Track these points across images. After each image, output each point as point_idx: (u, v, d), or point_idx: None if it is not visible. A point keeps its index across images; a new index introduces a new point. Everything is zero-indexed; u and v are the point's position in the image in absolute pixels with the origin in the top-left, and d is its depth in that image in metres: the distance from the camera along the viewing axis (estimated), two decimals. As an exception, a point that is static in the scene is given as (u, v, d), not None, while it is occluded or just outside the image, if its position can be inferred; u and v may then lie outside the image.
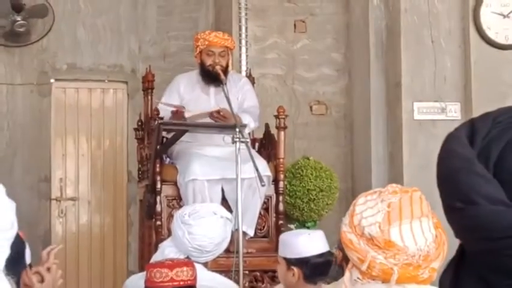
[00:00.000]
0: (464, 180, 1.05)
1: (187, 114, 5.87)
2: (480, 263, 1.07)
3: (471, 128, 1.10)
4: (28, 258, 3.43)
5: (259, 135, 6.53)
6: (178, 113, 5.84)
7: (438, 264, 1.87)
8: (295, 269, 3.57)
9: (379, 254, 1.86)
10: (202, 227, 3.64)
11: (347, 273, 1.98)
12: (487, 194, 1.03)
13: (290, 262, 3.60)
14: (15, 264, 2.26)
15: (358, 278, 1.92)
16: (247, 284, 5.63)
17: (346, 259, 3.67)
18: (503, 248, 1.02)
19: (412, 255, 1.87)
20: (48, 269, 3.10)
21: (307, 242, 3.61)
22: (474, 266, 1.08)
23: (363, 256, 1.87)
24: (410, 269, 1.87)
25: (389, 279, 1.86)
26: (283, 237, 3.79)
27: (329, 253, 3.62)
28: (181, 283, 3.13)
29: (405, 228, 1.86)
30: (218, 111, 5.82)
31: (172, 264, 3.19)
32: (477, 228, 1.04)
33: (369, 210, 1.88)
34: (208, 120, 5.92)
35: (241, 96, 6.23)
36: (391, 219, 1.86)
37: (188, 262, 3.33)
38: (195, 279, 3.19)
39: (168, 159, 6.11)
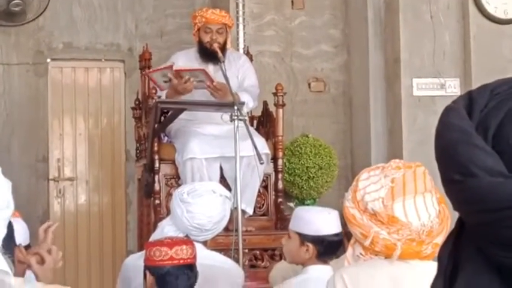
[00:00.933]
0: (462, 152, 1.04)
1: (175, 67, 5.84)
2: (479, 235, 1.07)
3: (469, 100, 1.10)
4: (27, 239, 3.41)
5: (258, 113, 6.51)
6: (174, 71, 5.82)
7: (441, 239, 1.86)
8: (311, 246, 3.56)
9: (382, 229, 1.84)
10: (201, 206, 3.63)
11: (349, 249, 1.96)
12: (485, 166, 1.03)
13: (305, 238, 3.57)
14: (9, 243, 2.24)
15: (360, 253, 1.91)
16: (246, 263, 5.63)
17: (347, 236, 3.66)
18: (502, 219, 1.02)
19: (415, 230, 1.85)
20: (49, 251, 3.08)
21: (326, 221, 3.59)
22: (473, 239, 1.09)
23: (366, 231, 1.85)
24: (413, 245, 1.86)
25: (392, 254, 1.85)
26: (299, 212, 3.74)
27: (342, 233, 3.61)
28: (181, 261, 3.11)
29: (409, 204, 1.84)
30: (212, 81, 5.79)
31: (172, 242, 3.17)
32: (476, 200, 1.04)
33: (372, 186, 1.86)
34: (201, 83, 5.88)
35: (241, 75, 6.20)
36: (394, 194, 1.84)
37: (187, 241, 3.31)
38: (194, 257, 3.18)
39: (166, 138, 6.10)
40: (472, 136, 1.04)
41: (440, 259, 1.15)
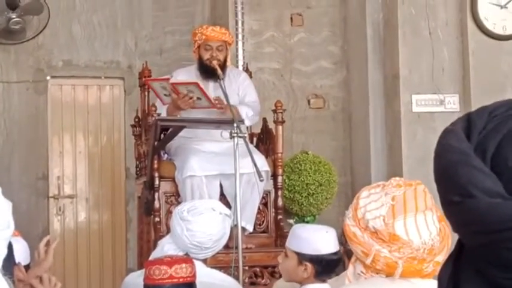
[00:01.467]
0: (461, 173, 1.05)
1: (172, 81, 5.87)
2: (478, 256, 1.07)
3: (467, 123, 1.10)
4: (27, 258, 3.41)
5: (257, 130, 6.51)
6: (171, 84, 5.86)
7: (442, 258, 1.85)
8: (309, 265, 3.52)
9: (383, 247, 1.84)
10: (201, 224, 3.62)
11: (350, 267, 1.95)
12: (484, 187, 1.03)
13: (304, 257, 3.54)
14: (8, 263, 2.24)
15: (361, 271, 1.90)
16: (247, 280, 5.62)
17: (347, 254, 3.65)
18: (501, 241, 1.02)
19: (416, 248, 1.85)
20: (43, 279, 3.05)
21: (325, 240, 3.55)
22: (472, 260, 1.09)
23: (367, 249, 1.85)
24: (414, 263, 1.86)
25: (393, 272, 1.85)
26: (297, 231, 3.69)
27: (339, 251, 3.59)
28: (181, 280, 3.10)
29: (410, 222, 1.84)
30: (205, 94, 5.82)
31: (171, 261, 3.16)
32: (475, 222, 1.04)
33: (372, 204, 1.86)
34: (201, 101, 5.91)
35: (241, 92, 6.22)
36: (395, 212, 1.84)
37: (187, 259, 3.30)
38: (194, 275, 3.17)
39: (165, 156, 6.10)
40: (470, 158, 1.05)
41: (440, 281, 1.15)
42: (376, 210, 1.85)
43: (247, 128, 6.21)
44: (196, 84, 5.78)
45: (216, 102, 5.86)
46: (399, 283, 1.89)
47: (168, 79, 5.90)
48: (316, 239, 3.57)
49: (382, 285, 1.91)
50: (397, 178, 1.94)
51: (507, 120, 1.07)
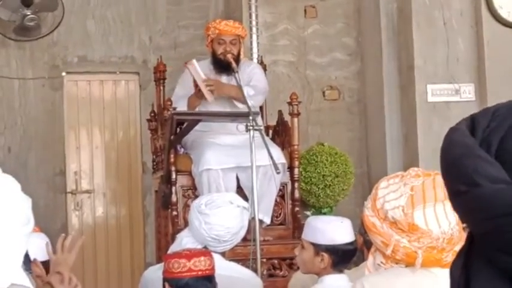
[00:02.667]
0: (466, 164, 1.08)
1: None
2: (487, 244, 1.10)
3: (472, 122, 1.14)
4: (44, 254, 3.41)
5: (273, 122, 6.52)
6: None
7: (462, 247, 1.86)
8: (325, 255, 3.54)
9: (403, 237, 1.85)
10: (219, 217, 3.63)
11: (370, 258, 1.96)
12: (489, 175, 1.06)
13: (320, 248, 3.56)
14: (26, 259, 2.26)
15: (381, 262, 1.91)
16: (265, 272, 5.63)
17: (366, 244, 3.66)
18: (507, 225, 1.04)
19: (436, 238, 1.86)
20: (62, 279, 3.06)
21: (340, 230, 3.58)
22: (482, 250, 1.11)
23: (387, 240, 1.86)
24: (434, 253, 1.86)
25: (413, 262, 1.85)
26: (312, 222, 3.72)
27: (355, 241, 3.60)
28: (200, 273, 3.12)
29: (429, 212, 1.85)
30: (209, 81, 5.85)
31: (190, 254, 3.18)
32: (481, 209, 1.06)
33: (391, 194, 1.87)
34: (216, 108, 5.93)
35: (249, 77, 6.17)
36: (414, 202, 1.84)
37: (206, 252, 3.32)
38: (212, 268, 3.18)
39: (182, 150, 6.11)
40: (475, 149, 1.08)
41: (452, 274, 1.17)
42: (395, 201, 1.86)
43: (262, 120, 6.22)
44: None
45: (205, 84, 5.87)
46: (419, 273, 1.89)
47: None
48: (331, 229, 3.59)
49: (402, 275, 1.91)
50: (416, 168, 1.95)
51: (508, 117, 1.11)
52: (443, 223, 1.88)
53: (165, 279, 3.18)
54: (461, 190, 1.07)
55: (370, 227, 1.92)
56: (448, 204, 1.90)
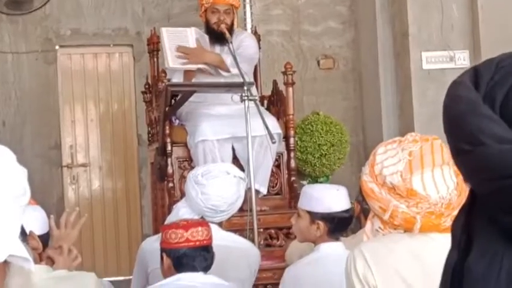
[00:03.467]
0: (470, 122, 1.06)
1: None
2: (490, 204, 1.08)
3: (475, 74, 1.10)
4: (46, 226, 3.41)
5: (268, 92, 6.51)
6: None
7: (460, 212, 1.86)
8: (321, 223, 3.55)
9: (401, 202, 1.85)
10: (215, 187, 3.63)
11: (368, 223, 1.96)
12: (494, 134, 1.03)
13: (316, 216, 3.57)
14: (22, 231, 2.25)
15: (379, 227, 1.91)
16: (262, 242, 5.64)
17: (363, 212, 3.67)
18: None
19: (434, 203, 1.86)
20: (64, 251, 3.07)
21: (335, 197, 3.58)
22: (484, 209, 1.10)
23: (385, 205, 1.86)
24: (432, 218, 1.86)
25: (411, 228, 1.85)
26: (308, 190, 3.74)
27: (352, 209, 3.60)
28: (197, 243, 3.13)
29: (427, 177, 1.85)
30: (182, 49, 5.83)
31: (187, 224, 3.18)
32: (486, 169, 1.05)
33: (389, 160, 1.87)
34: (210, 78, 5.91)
35: (239, 46, 6.12)
36: (412, 167, 1.84)
37: (203, 222, 3.32)
38: (210, 238, 3.19)
39: (177, 121, 6.10)
40: (479, 106, 1.05)
41: (453, 232, 1.16)
42: (393, 166, 1.86)
43: (257, 90, 6.20)
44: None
45: (179, 51, 5.85)
46: (418, 238, 1.89)
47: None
48: (326, 197, 3.60)
49: (400, 240, 1.92)
50: (413, 133, 1.94)
51: None
52: (441, 188, 1.88)
53: (162, 250, 3.19)
54: (465, 149, 1.06)
55: (368, 193, 1.92)
56: (446, 169, 1.90)
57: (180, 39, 5.92)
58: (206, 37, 6.05)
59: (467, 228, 1.13)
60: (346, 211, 3.58)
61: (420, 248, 1.94)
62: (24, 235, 2.56)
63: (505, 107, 1.05)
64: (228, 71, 5.88)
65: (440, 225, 1.88)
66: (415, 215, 1.85)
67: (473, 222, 1.12)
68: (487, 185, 1.05)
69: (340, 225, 3.58)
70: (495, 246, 1.07)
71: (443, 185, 1.88)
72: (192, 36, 5.96)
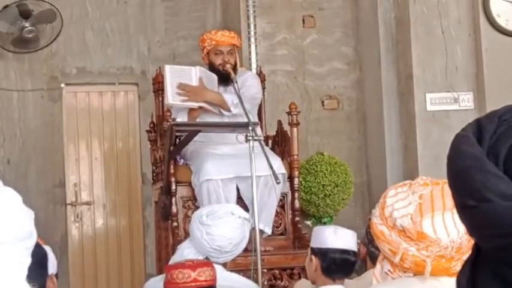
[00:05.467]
0: (476, 177, 1.05)
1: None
2: (495, 259, 1.08)
3: (478, 127, 1.11)
4: (54, 267, 3.40)
5: (272, 132, 6.52)
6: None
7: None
8: (314, 259, 3.56)
9: (411, 245, 1.85)
10: (220, 228, 3.63)
11: (378, 266, 1.96)
12: (499, 191, 1.03)
13: (313, 251, 3.60)
14: (39, 272, 2.24)
15: (389, 270, 1.91)
16: (266, 282, 5.61)
17: (369, 254, 3.66)
18: None
19: (444, 247, 1.85)
20: None
21: (331, 235, 3.59)
22: (489, 263, 1.10)
23: (395, 248, 1.86)
24: (443, 261, 1.86)
25: (421, 271, 1.85)
26: (314, 228, 3.82)
27: (353, 253, 3.58)
28: (204, 283, 3.12)
29: (437, 220, 1.85)
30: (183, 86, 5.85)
31: (194, 264, 3.18)
32: (491, 225, 1.05)
33: (400, 202, 1.87)
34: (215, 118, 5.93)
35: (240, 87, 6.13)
36: (423, 210, 1.84)
37: (208, 263, 3.32)
38: (215, 279, 3.19)
39: (181, 160, 6.10)
40: (484, 162, 1.05)
41: (458, 284, 1.16)
42: (404, 209, 1.86)
43: (261, 131, 6.21)
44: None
45: (180, 88, 5.88)
46: (428, 283, 1.89)
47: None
48: (322, 233, 3.62)
49: (410, 285, 1.91)
50: (424, 177, 1.95)
51: None
52: (452, 232, 1.88)
53: None
54: (470, 204, 1.06)
55: (378, 235, 1.92)
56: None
57: (182, 77, 5.95)
58: (214, 76, 6.06)
59: (472, 281, 1.13)
60: (341, 251, 3.55)
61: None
62: (45, 274, 2.56)
63: (508, 162, 1.05)
64: (228, 110, 5.91)
65: (451, 269, 1.87)
66: (425, 258, 1.85)
67: (478, 274, 1.12)
68: (491, 240, 1.05)
69: (332, 265, 3.54)
70: None
71: (454, 229, 1.88)
72: (196, 74, 5.99)
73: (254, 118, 5.98)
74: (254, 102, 6.18)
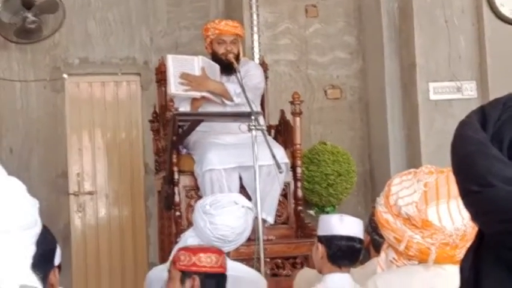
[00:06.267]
0: (480, 163, 1.06)
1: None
2: (498, 244, 1.09)
3: (482, 114, 1.12)
4: (58, 259, 3.40)
5: (275, 121, 6.52)
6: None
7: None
8: (320, 246, 3.57)
9: (416, 233, 1.85)
10: (223, 217, 3.64)
11: (382, 254, 1.97)
12: (503, 176, 1.04)
13: (319, 239, 3.61)
14: (44, 263, 2.25)
15: (394, 258, 1.91)
16: (268, 271, 5.62)
17: (372, 243, 3.67)
18: None
19: (449, 234, 1.86)
20: None
21: (337, 222, 3.59)
22: (492, 248, 1.10)
23: (400, 236, 1.86)
24: (447, 249, 1.86)
25: (426, 259, 1.85)
26: (320, 216, 3.83)
27: (359, 241, 3.58)
28: (219, 269, 3.17)
29: (442, 208, 1.85)
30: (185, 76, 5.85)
31: (218, 250, 3.22)
32: (495, 210, 1.05)
33: (404, 190, 1.87)
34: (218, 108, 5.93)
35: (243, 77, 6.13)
36: (428, 199, 1.85)
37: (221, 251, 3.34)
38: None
39: (184, 150, 6.10)
40: (488, 147, 1.06)
41: (462, 271, 1.16)
42: (409, 197, 1.86)
43: (264, 120, 6.21)
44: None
45: (182, 78, 5.88)
46: (432, 270, 1.89)
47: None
48: (328, 220, 3.63)
49: (415, 273, 1.91)
50: (429, 166, 1.95)
51: None
52: (456, 219, 1.88)
53: (193, 272, 3.16)
54: (474, 190, 1.06)
55: (383, 223, 1.92)
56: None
57: (184, 67, 5.95)
58: (217, 66, 6.06)
59: (475, 267, 1.13)
60: (346, 238, 3.56)
61: (435, 281, 1.93)
62: (50, 266, 2.56)
63: None
64: (231, 100, 5.91)
65: (455, 256, 1.87)
66: (429, 246, 1.85)
67: (481, 261, 1.12)
68: (495, 225, 1.06)
69: (338, 252, 3.55)
70: (503, 286, 1.07)
71: (459, 216, 1.88)
72: (198, 64, 6.00)
73: (257, 108, 5.98)
74: (257, 92, 6.18)
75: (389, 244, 1.93)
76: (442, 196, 1.86)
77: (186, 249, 3.21)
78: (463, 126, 1.11)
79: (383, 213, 1.91)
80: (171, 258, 3.25)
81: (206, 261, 3.15)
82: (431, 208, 1.85)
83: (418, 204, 1.85)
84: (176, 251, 3.22)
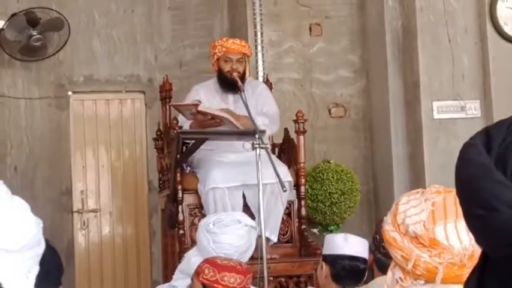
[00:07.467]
0: (484, 187, 1.06)
1: (200, 108, 5.78)
2: (502, 267, 1.08)
3: (486, 136, 1.11)
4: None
5: (279, 140, 6.52)
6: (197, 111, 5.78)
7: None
8: (324, 265, 3.57)
9: (423, 252, 1.85)
10: (227, 236, 3.65)
11: (389, 273, 1.96)
12: (508, 201, 1.04)
13: (323, 258, 3.61)
14: (48, 283, 2.25)
15: (400, 277, 1.90)
16: (272, 290, 5.61)
17: (376, 262, 3.66)
18: None
19: (457, 254, 1.85)
20: None
21: (341, 242, 3.60)
22: (496, 271, 1.10)
23: (408, 254, 1.86)
24: (455, 269, 1.86)
25: (433, 278, 1.85)
26: (326, 236, 3.85)
27: (363, 261, 3.58)
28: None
29: (450, 227, 1.85)
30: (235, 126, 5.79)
31: (246, 270, 3.23)
32: (499, 235, 1.05)
33: (412, 209, 1.87)
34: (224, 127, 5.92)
35: (258, 102, 6.15)
36: (435, 218, 1.85)
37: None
38: None
39: (188, 168, 6.11)
40: (492, 171, 1.06)
41: None
42: (416, 216, 1.86)
43: (268, 138, 6.21)
44: (226, 119, 5.72)
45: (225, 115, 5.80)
46: (440, 289, 1.89)
47: (196, 105, 5.78)
48: (333, 240, 3.63)
49: (423, 293, 1.91)
50: (436, 185, 1.95)
51: None
52: (464, 239, 1.88)
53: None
54: (478, 213, 1.06)
55: (390, 242, 1.92)
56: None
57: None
58: (212, 89, 6.07)
59: None
60: (351, 258, 3.56)
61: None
62: (55, 285, 2.56)
63: None
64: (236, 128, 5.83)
65: (463, 276, 1.87)
66: (437, 265, 1.85)
67: (485, 282, 1.12)
68: (500, 249, 1.05)
69: (342, 271, 3.55)
70: None
71: (466, 237, 1.87)
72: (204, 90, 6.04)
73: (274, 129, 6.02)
74: (277, 118, 6.17)
75: (397, 263, 1.93)
76: (450, 215, 1.86)
77: (212, 262, 3.20)
78: (467, 148, 1.11)
79: (390, 232, 1.91)
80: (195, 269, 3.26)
81: (229, 281, 3.14)
82: (439, 227, 1.86)
83: (425, 223, 1.85)
84: (202, 261, 3.22)
